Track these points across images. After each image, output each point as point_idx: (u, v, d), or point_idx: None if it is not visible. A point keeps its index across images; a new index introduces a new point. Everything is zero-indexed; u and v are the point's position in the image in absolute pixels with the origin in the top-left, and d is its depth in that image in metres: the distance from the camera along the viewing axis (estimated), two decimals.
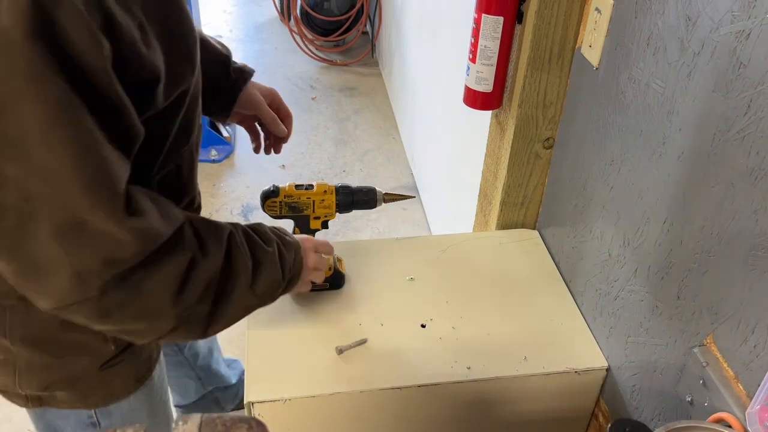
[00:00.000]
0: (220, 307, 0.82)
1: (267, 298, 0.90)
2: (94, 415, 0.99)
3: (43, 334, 0.87)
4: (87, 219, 0.67)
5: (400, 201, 1.20)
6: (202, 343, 1.54)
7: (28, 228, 0.66)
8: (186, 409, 1.66)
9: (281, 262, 0.90)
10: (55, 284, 0.69)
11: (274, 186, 1.15)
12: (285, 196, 1.13)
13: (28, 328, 0.87)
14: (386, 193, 1.18)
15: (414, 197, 1.21)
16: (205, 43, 1.05)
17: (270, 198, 1.13)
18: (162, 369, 1.11)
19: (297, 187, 1.14)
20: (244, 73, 1.11)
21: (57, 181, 0.64)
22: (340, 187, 1.16)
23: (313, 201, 1.13)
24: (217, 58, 1.08)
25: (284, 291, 0.94)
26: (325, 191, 1.14)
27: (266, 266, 0.86)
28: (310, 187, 1.14)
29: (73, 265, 0.68)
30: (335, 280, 1.22)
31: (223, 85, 1.09)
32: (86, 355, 0.91)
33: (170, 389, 1.57)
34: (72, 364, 0.91)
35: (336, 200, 1.14)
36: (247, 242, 0.85)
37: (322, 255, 1.06)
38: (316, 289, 1.19)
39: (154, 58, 0.70)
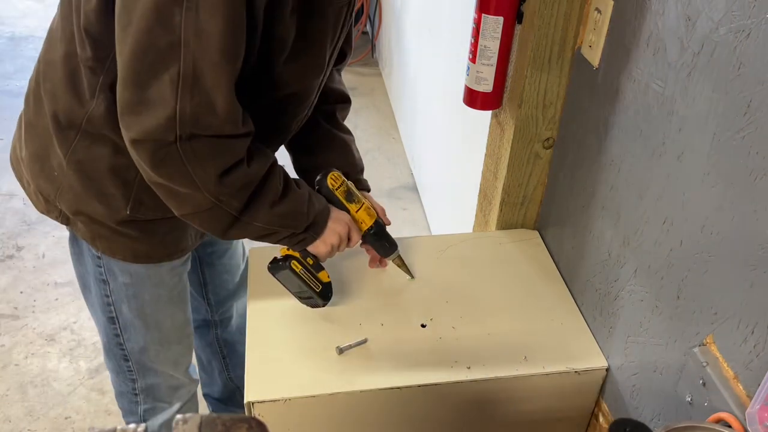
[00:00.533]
0: (245, 212, 0.97)
1: (285, 222, 1.03)
2: (103, 272, 1.17)
3: (91, 167, 1.04)
4: (207, 76, 0.84)
5: (401, 263, 1.25)
6: (234, 326, 1.61)
7: (159, 68, 0.83)
8: (213, 402, 1.75)
9: (309, 203, 1.05)
10: (152, 119, 0.85)
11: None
12: (351, 182, 1.16)
13: (85, 156, 1.03)
14: (399, 257, 1.24)
15: (413, 278, 1.27)
16: (349, 147, 1.27)
17: (337, 172, 1.14)
18: (177, 278, 1.24)
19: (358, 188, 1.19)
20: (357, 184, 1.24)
21: (205, 38, 0.82)
22: (378, 222, 1.18)
23: (360, 207, 1.15)
24: (346, 161, 1.26)
25: (306, 231, 1.06)
26: (365, 220, 1.16)
27: (290, 198, 1.02)
28: (362, 198, 1.16)
29: (173, 109, 0.84)
30: (325, 293, 1.17)
31: None
32: (105, 207, 1.07)
33: (197, 366, 1.70)
34: (94, 206, 1.07)
35: (368, 229, 1.17)
36: (283, 175, 1.02)
37: (348, 241, 1.15)
38: (308, 303, 1.18)
39: (287, 40, 0.93)
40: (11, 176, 1.17)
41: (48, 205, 1.11)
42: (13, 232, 2.46)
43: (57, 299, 2.20)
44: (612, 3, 1.02)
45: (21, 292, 2.22)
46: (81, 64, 0.97)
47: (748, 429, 0.74)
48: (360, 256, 1.31)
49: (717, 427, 0.77)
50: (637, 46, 0.96)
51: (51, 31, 1.03)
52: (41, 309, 2.17)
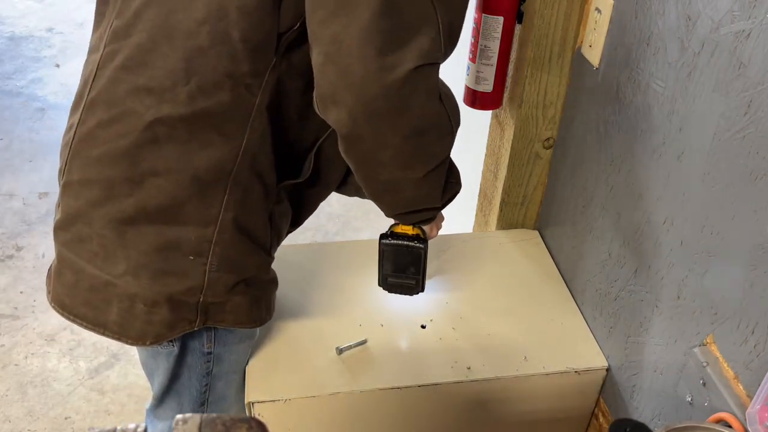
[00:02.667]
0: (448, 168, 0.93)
1: (458, 176, 0.99)
2: (211, 365, 1.00)
3: (247, 219, 0.90)
4: None
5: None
6: None
7: None
8: None
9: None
10: (424, 38, 0.76)
11: None
12: None
13: (240, 209, 0.88)
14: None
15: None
16: None
17: None
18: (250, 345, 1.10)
19: None
20: None
21: None
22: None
23: None
24: None
25: (442, 205, 1.00)
26: None
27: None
28: None
29: (436, 19, 0.77)
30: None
31: None
32: (261, 256, 0.94)
33: None
34: (252, 262, 0.93)
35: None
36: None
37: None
38: (405, 289, 1.11)
39: None
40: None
41: (177, 313, 0.90)
42: (13, 232, 2.46)
43: None
44: (612, 3, 1.02)
45: (21, 292, 2.22)
46: (226, 90, 0.83)
47: (749, 429, 0.74)
48: (360, 256, 1.31)
49: (717, 427, 0.77)
50: (637, 46, 0.96)
51: (141, 90, 0.84)
52: (41, 309, 2.17)
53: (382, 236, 1.05)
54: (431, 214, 0.99)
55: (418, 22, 0.76)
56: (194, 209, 0.86)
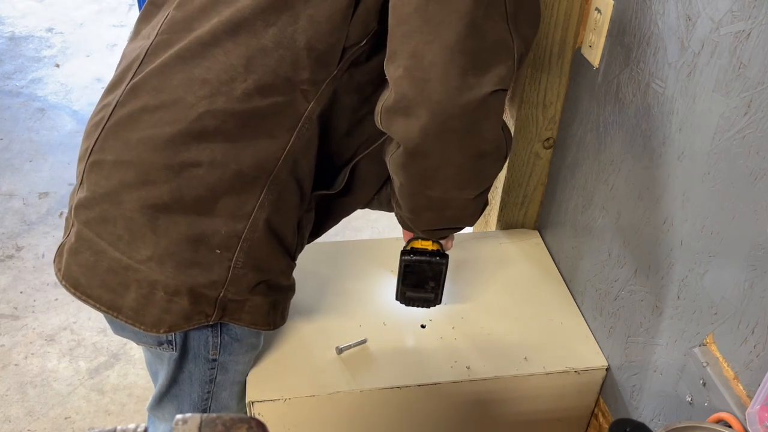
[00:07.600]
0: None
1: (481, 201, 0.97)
2: (215, 372, 1.00)
3: (278, 221, 0.90)
4: (520, 13, 0.79)
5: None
6: None
7: (489, 9, 0.75)
8: None
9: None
10: (503, 65, 0.78)
11: None
12: None
13: (273, 211, 0.88)
14: None
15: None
16: None
17: None
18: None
19: None
20: None
21: None
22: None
23: None
24: None
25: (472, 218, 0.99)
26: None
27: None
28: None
29: (511, 47, 0.78)
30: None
31: None
32: (286, 260, 0.94)
33: None
34: (277, 265, 0.93)
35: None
36: None
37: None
38: (423, 302, 1.11)
39: None
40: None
41: (196, 306, 0.89)
42: (13, 232, 2.46)
43: (57, 299, 2.20)
44: (612, 3, 1.02)
45: (21, 292, 2.22)
46: (282, 93, 0.84)
47: (748, 429, 0.74)
48: (360, 256, 1.30)
49: (717, 427, 0.77)
50: (637, 46, 0.96)
51: (196, 81, 0.84)
52: (41, 309, 2.17)
53: (404, 252, 1.05)
54: (458, 231, 0.99)
55: (499, 49, 0.78)
56: (229, 204, 0.86)
